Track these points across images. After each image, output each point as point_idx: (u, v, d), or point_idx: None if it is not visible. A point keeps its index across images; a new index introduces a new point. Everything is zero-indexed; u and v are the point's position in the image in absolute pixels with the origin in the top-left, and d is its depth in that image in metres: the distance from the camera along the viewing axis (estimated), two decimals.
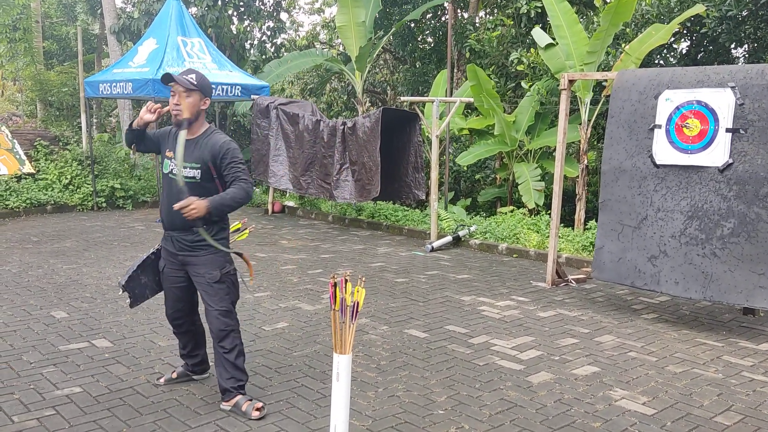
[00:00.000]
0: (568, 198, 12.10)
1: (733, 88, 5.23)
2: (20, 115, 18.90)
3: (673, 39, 11.90)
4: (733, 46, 11.13)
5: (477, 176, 14.15)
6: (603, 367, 4.57)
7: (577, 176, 10.43)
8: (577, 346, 5.01)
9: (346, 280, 3.14)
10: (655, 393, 4.15)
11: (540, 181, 10.94)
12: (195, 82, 3.67)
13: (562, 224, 10.11)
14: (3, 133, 10.81)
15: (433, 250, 8.60)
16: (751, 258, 5.21)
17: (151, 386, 4.04)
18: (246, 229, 4.30)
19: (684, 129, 5.51)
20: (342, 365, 3.12)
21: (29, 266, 7.11)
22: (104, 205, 11.40)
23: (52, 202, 10.92)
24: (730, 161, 5.26)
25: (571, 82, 6.68)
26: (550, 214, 10.32)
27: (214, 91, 10.53)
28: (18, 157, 10.88)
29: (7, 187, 10.71)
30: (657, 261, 5.74)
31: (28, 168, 10.88)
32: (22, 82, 17.36)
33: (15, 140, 11.04)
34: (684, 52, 12.06)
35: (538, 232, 9.16)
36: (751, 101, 5.14)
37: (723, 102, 5.28)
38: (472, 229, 9.16)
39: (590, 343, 5.09)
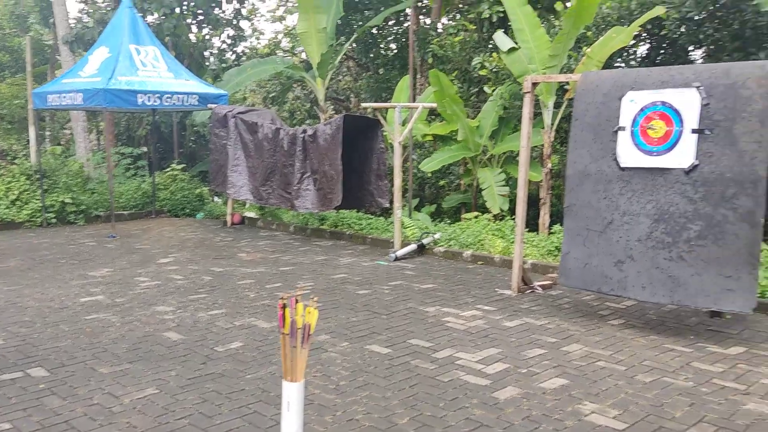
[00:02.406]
0: (532, 202, 11.93)
1: (698, 87, 5.12)
2: None
3: (633, 42, 11.94)
4: (691, 48, 11.18)
5: (441, 182, 14.00)
6: (571, 379, 4.38)
7: (541, 180, 10.34)
8: (545, 356, 4.83)
9: (297, 300, 2.89)
10: (625, 405, 3.97)
11: (504, 186, 10.83)
12: None
13: (527, 229, 9.98)
14: None
15: (397, 259, 8.37)
16: (718, 261, 5.10)
17: (88, 419, 3.72)
18: None
19: (648, 131, 5.39)
20: (293, 394, 2.86)
21: None
22: (54, 221, 10.93)
23: None
24: (696, 162, 5.14)
25: (535, 84, 6.54)
26: (514, 219, 10.23)
27: (169, 100, 10.26)
28: None
29: None
30: (623, 266, 5.60)
31: None
32: None
33: None
34: (644, 54, 12.09)
35: (502, 238, 9.01)
36: (716, 101, 5.03)
37: (688, 102, 5.17)
38: (437, 236, 8.97)
39: (557, 353, 4.91)
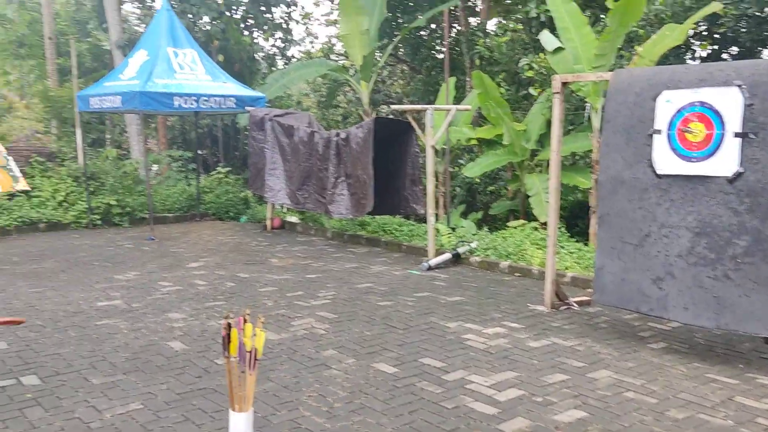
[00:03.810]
0: (584, 211, 11.41)
1: (740, 86, 4.58)
2: (42, 133, 18.89)
3: (698, 41, 11.19)
4: (759, 48, 10.37)
5: (490, 188, 13.53)
6: (591, 412, 3.94)
7: (591, 187, 9.76)
8: (566, 383, 4.39)
9: (245, 320, 2.61)
10: None
11: (548, 193, 10.28)
12: None
13: (574, 239, 9.45)
14: None
15: (430, 268, 8.02)
16: None
17: None
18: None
19: (686, 134, 4.86)
20: (240, 425, 2.58)
21: None
22: (99, 222, 11.09)
23: (45, 220, 10.63)
24: (741, 170, 4.60)
25: (565, 84, 6.07)
26: (561, 228, 9.69)
27: (206, 102, 10.24)
28: (12, 174, 10.61)
29: None
30: (663, 283, 5.08)
31: (21, 185, 10.60)
32: (29, 99, 17.30)
33: (10, 157, 10.80)
34: (706, 55, 11.32)
35: (544, 249, 8.50)
36: (761, 101, 4.48)
37: (729, 103, 4.63)
38: (473, 245, 8.55)
39: (582, 380, 4.46)
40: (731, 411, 3.97)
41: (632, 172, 5.22)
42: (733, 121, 4.63)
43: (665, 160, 5.00)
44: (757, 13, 8.57)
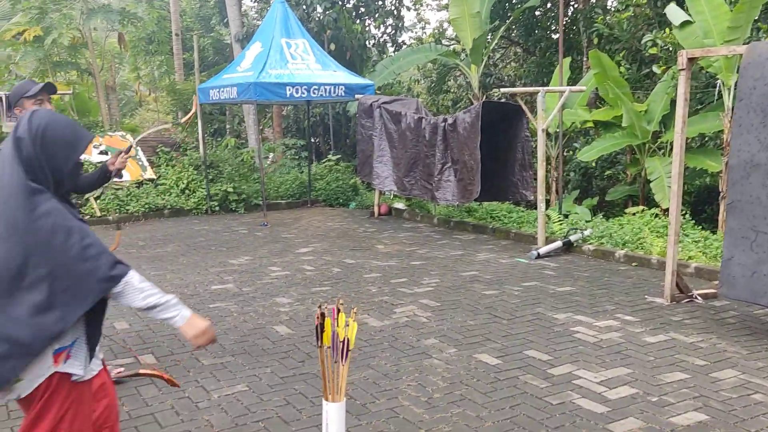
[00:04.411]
0: (712, 196, 10.57)
1: None
2: (171, 123, 20.20)
3: None
4: None
5: (607, 173, 12.87)
6: (713, 415, 3.60)
7: (721, 171, 9.03)
8: (686, 383, 4.05)
9: (338, 310, 2.58)
10: None
11: None
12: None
13: (700, 227, 8.77)
14: (127, 141, 11.34)
15: (539, 256, 7.72)
16: None
17: (173, 413, 3.72)
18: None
19: None
20: (332, 415, 2.55)
21: None
22: (217, 208, 11.63)
23: (169, 207, 11.29)
24: None
25: (691, 60, 5.58)
26: (684, 215, 9.02)
27: (317, 91, 10.42)
28: (140, 163, 11.37)
29: (129, 192, 11.21)
30: None
31: (149, 174, 11.34)
32: (157, 93, 18.44)
33: (139, 147, 11.56)
34: None
35: (665, 237, 7.94)
36: None
37: None
38: (586, 233, 8.14)
39: (704, 379, 4.10)
40: None
41: None
42: None
43: None
44: None
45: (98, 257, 2.09)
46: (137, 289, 2.17)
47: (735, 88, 8.59)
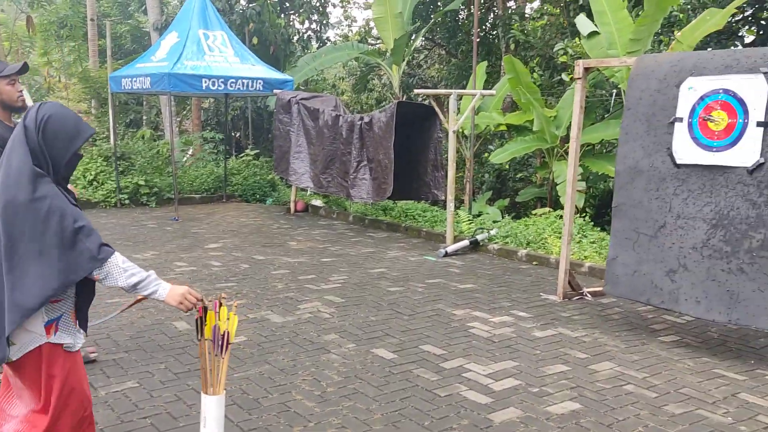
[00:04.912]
0: (610, 200, 11.14)
1: (766, 74, 4.35)
2: (83, 113, 19.36)
3: (747, 26, 10.73)
4: None
5: (519, 175, 13.32)
6: (587, 404, 3.84)
7: None
8: (566, 375, 4.29)
9: (220, 303, 2.60)
10: None
11: (580, 180, 10.06)
12: None
13: (598, 228, 9.23)
14: None
15: (446, 255, 7.94)
16: None
17: None
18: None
19: (708, 123, 4.66)
20: (210, 408, 2.58)
21: None
22: (127, 202, 11.30)
23: None
24: (761, 161, 4.39)
25: (587, 70, 5.89)
26: (585, 217, 9.48)
27: (234, 84, 10.30)
28: None
29: None
30: (676, 276, 4.92)
31: None
32: (68, 80, 17.70)
33: None
34: (749, 42, 10.85)
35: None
36: None
37: (754, 91, 4.41)
38: (492, 232, 8.43)
39: (583, 371, 4.35)
40: (732, 407, 3.82)
41: (651, 162, 5.04)
42: (757, 110, 4.42)
43: (685, 150, 4.81)
44: None
45: (88, 239, 2.36)
46: (121, 269, 2.44)
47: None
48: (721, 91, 4.59)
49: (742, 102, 4.48)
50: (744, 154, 4.48)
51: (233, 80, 10.18)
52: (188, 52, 10.11)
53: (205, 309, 2.58)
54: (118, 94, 12.38)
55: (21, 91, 3.75)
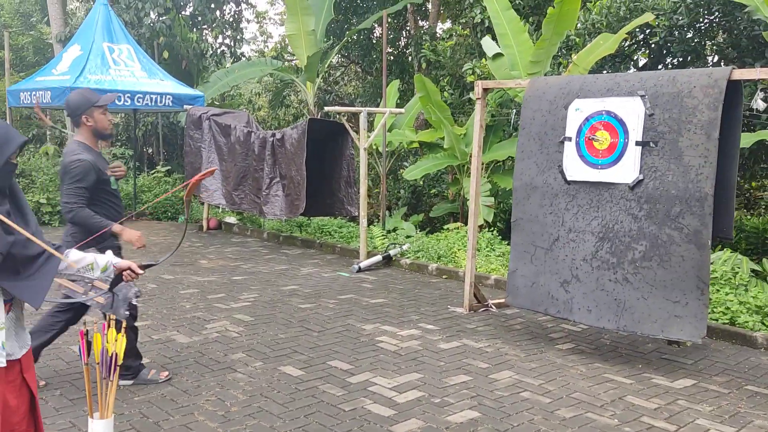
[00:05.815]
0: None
1: (642, 96, 4.72)
2: None
3: (642, 50, 11.45)
4: (692, 59, 10.69)
5: (432, 191, 13.64)
6: (484, 412, 4.00)
7: None
8: (467, 385, 4.45)
9: (109, 326, 2.58)
10: None
11: (489, 196, 10.43)
12: None
13: (506, 242, 9.58)
14: None
15: (360, 270, 8.03)
16: (664, 284, 4.68)
17: None
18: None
19: (594, 142, 4.99)
20: None
21: None
22: None
23: None
24: (641, 177, 4.74)
25: (486, 90, 6.17)
26: (493, 231, 9.83)
27: (142, 100, 10.07)
28: None
29: None
30: (569, 286, 5.20)
31: None
32: None
33: None
34: (642, 64, 11.60)
35: (477, 251, 8.60)
36: (661, 111, 4.63)
37: (632, 112, 4.77)
38: (404, 247, 8.61)
39: (483, 381, 4.53)
40: (619, 410, 4.08)
41: (544, 178, 5.32)
42: (636, 130, 4.77)
43: (574, 167, 5.12)
44: (686, 24, 8.81)
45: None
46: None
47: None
48: (603, 112, 4.93)
49: (622, 123, 4.83)
50: (625, 172, 4.82)
51: (141, 95, 9.97)
52: (92, 65, 9.84)
53: (87, 332, 2.56)
54: (19, 108, 11.83)
55: (111, 120, 4.06)
